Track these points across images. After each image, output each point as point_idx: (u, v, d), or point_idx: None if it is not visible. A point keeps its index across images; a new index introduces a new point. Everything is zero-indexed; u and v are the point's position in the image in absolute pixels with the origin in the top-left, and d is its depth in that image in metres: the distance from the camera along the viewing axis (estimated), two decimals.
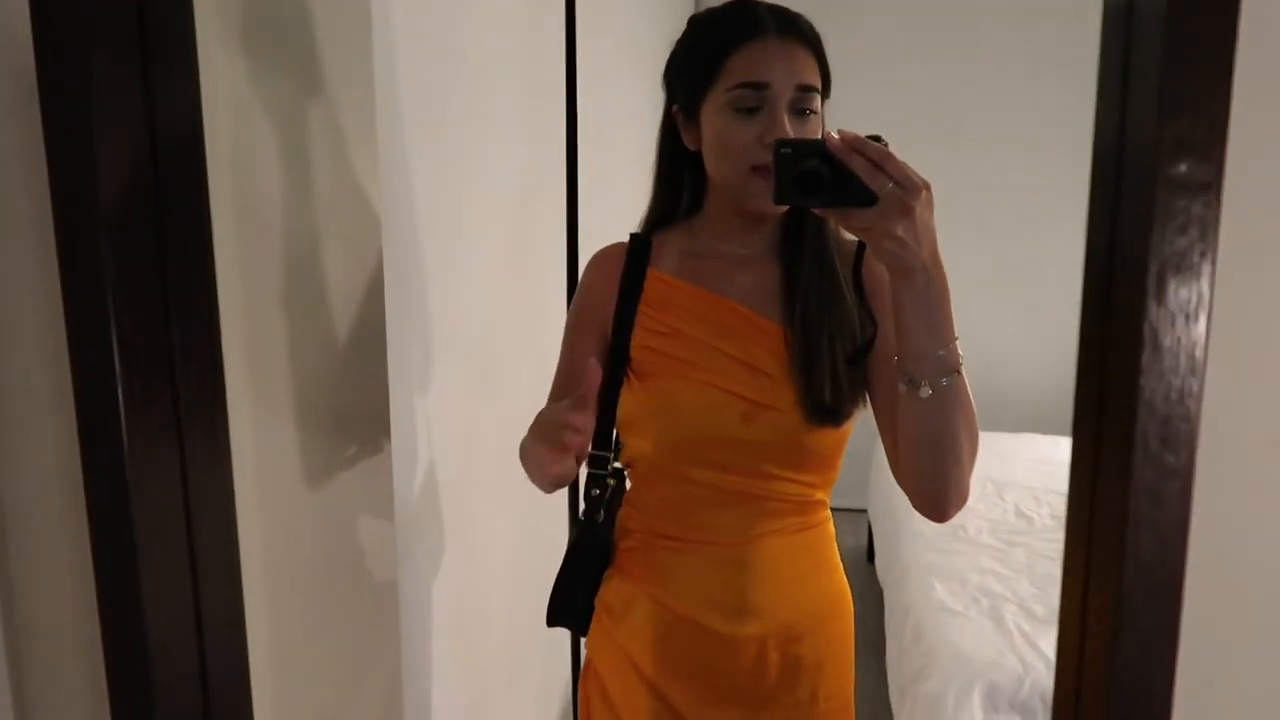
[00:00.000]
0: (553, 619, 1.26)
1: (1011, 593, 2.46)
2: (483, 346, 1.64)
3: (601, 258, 1.20)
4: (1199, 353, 0.45)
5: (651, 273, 1.15)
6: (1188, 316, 0.45)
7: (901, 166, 0.85)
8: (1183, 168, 0.43)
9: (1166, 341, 0.45)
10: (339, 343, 1.16)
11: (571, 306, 1.23)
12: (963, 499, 1.03)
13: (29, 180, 0.63)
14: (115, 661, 0.58)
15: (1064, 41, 4.23)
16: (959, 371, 0.95)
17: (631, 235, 1.19)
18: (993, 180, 4.47)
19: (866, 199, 0.85)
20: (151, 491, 0.60)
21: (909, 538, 2.91)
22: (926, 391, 0.94)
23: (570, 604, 1.24)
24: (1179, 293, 0.45)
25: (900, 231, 0.85)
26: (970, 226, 4.49)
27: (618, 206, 2.57)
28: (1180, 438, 0.46)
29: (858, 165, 0.85)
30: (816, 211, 0.98)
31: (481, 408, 1.63)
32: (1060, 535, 2.65)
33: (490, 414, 1.66)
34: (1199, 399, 0.45)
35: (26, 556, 0.67)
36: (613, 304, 1.15)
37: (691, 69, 1.08)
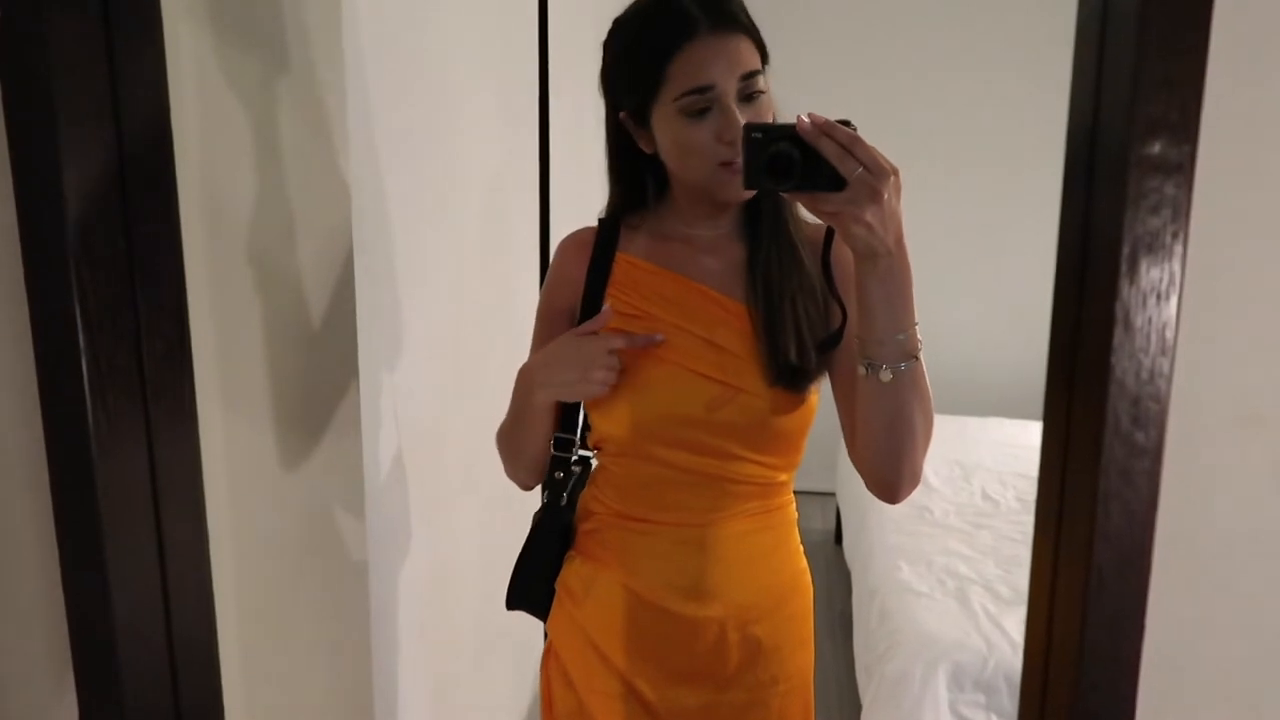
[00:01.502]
0: (512, 602, 1.26)
1: (977, 574, 2.50)
2: (453, 332, 1.63)
3: (570, 243, 1.19)
4: (1170, 332, 0.46)
5: (620, 256, 1.15)
6: (1159, 296, 0.46)
7: (871, 151, 0.86)
8: (1156, 148, 0.44)
9: (1138, 321, 0.46)
10: (309, 327, 1.14)
11: (542, 293, 1.23)
12: (915, 480, 1.05)
13: None
14: (81, 639, 0.57)
15: (1039, 23, 4.27)
16: (917, 357, 0.96)
17: (600, 220, 1.19)
18: (963, 166, 4.50)
19: (836, 183, 0.86)
20: (117, 464, 0.59)
21: (876, 520, 2.94)
22: (887, 376, 0.95)
23: (529, 587, 1.24)
24: (1151, 273, 0.46)
25: (868, 216, 0.86)
26: (941, 213, 4.52)
27: (590, 192, 2.56)
28: (1150, 416, 0.46)
29: (827, 150, 0.86)
30: (786, 195, 0.99)
31: (451, 393, 1.62)
32: (1026, 518, 2.70)
33: (460, 400, 1.65)
34: (1169, 379, 0.46)
35: None
36: (580, 288, 1.15)
37: (632, 79, 1.07)
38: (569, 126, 2.36)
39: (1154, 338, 0.46)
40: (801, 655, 1.23)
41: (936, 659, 2.12)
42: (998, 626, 2.22)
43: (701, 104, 1.02)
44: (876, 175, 0.85)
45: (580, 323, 1.13)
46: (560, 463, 1.20)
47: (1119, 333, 0.46)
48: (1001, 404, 4.53)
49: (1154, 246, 0.45)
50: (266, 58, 1.01)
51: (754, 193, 1.09)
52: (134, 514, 0.61)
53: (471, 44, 1.64)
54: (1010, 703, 2.08)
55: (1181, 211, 0.44)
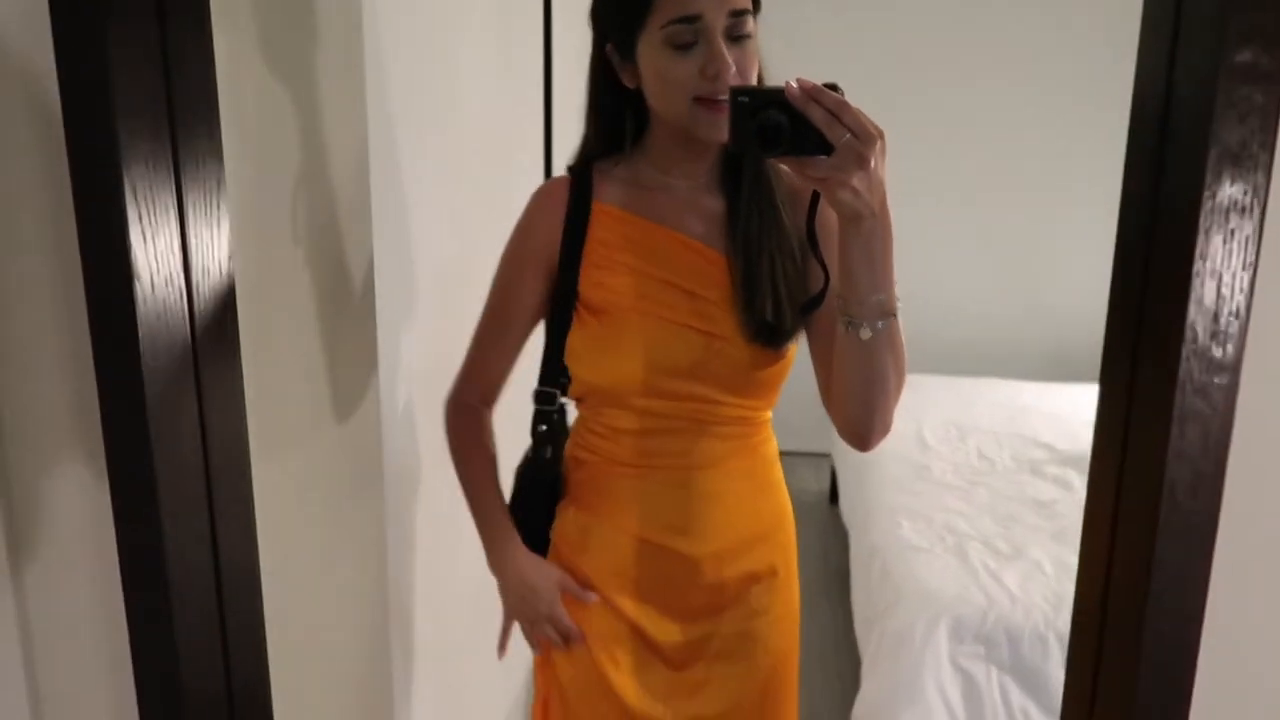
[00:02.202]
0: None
1: (975, 530, 2.52)
2: (460, 280, 1.61)
3: (544, 192, 1.17)
4: (1252, 247, 0.45)
5: (597, 206, 1.13)
6: (1243, 210, 0.45)
7: (858, 116, 0.86)
8: (1248, 55, 0.43)
9: (1219, 233, 0.45)
10: (331, 281, 1.13)
11: (511, 242, 1.20)
12: (885, 430, 1.08)
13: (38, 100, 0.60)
14: (133, 570, 0.56)
15: None
16: (895, 315, 0.98)
17: (571, 169, 1.16)
18: (957, 127, 4.47)
19: (823, 149, 0.86)
20: (169, 413, 0.58)
21: (875, 479, 2.96)
22: (866, 334, 0.97)
23: (526, 540, 1.24)
24: (1235, 184, 0.45)
25: (855, 181, 0.86)
26: (937, 176, 4.49)
27: None
28: (1230, 333, 0.46)
29: (815, 115, 0.86)
30: (775, 160, 1.00)
31: (458, 342, 1.61)
32: (1021, 477, 2.72)
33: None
34: (1249, 294, 0.45)
35: (34, 454, 0.65)
36: (556, 239, 1.13)
37: (621, 9, 1.06)
38: (572, 73, 2.33)
39: (1235, 251, 0.45)
40: (788, 583, 1.27)
41: (938, 613, 2.14)
42: (997, 580, 2.24)
43: (688, 35, 1.01)
44: (863, 141, 0.85)
45: (561, 274, 1.13)
46: (544, 416, 1.21)
47: (1199, 244, 0.45)
48: (996, 365, 4.55)
49: (1240, 158, 0.44)
50: (287, 16, 0.98)
51: (725, 138, 1.09)
52: (185, 453, 0.60)
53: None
54: (1009, 654, 2.10)
55: (1270, 122, 0.44)
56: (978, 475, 2.96)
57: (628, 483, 1.17)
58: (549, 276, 1.16)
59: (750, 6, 1.03)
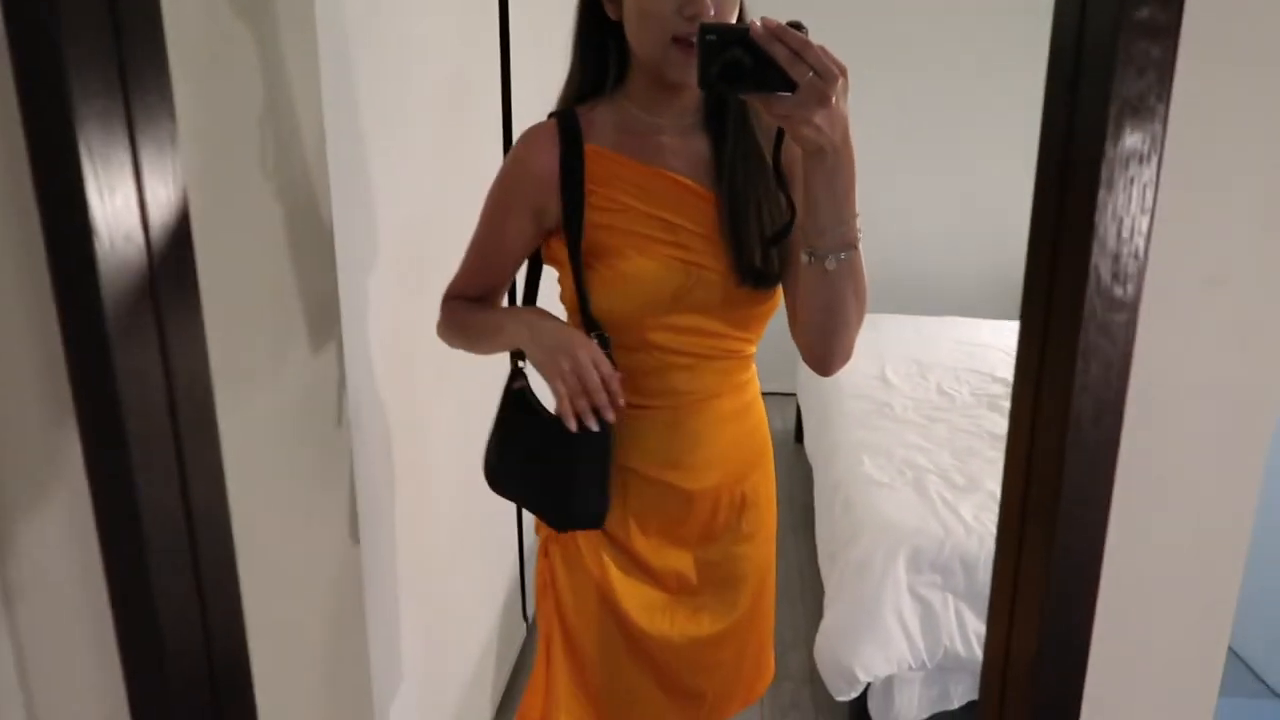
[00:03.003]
0: (578, 520, 1.22)
1: (934, 464, 2.60)
2: (421, 234, 1.62)
3: (533, 136, 1.17)
4: (1150, 193, 0.49)
5: (590, 149, 1.15)
6: (1141, 158, 0.48)
7: (820, 55, 0.89)
8: (1145, 11, 0.46)
9: (1120, 181, 0.49)
10: (290, 228, 1.14)
11: (497, 185, 1.21)
12: (846, 357, 1.14)
13: None
14: (107, 518, 0.59)
15: None
16: (856, 247, 1.02)
17: (560, 113, 1.18)
18: (923, 72, 4.47)
19: (786, 85, 0.89)
20: (131, 354, 0.60)
21: (839, 418, 3.02)
22: (832, 264, 1.02)
23: (591, 497, 1.19)
24: (1134, 135, 0.48)
25: (817, 118, 0.90)
26: (900, 120, 4.51)
27: (551, 97, 2.52)
28: (1129, 273, 0.50)
29: (779, 53, 0.89)
30: (740, 96, 1.03)
31: (422, 293, 1.62)
32: (979, 412, 2.79)
33: (430, 298, 1.66)
34: (1148, 237, 0.49)
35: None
36: (550, 183, 1.14)
37: None
38: (531, 22, 2.31)
39: (1135, 197, 0.49)
40: (769, 508, 1.36)
41: (897, 544, 2.22)
42: (953, 512, 2.32)
43: None
44: (825, 79, 0.89)
45: (568, 216, 1.13)
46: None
47: (1102, 192, 0.49)
48: (957, 304, 4.63)
49: (1138, 109, 0.48)
50: None
51: (714, 92, 1.11)
52: (151, 399, 0.62)
53: None
54: (964, 582, 2.19)
55: (1167, 75, 0.47)
56: (937, 411, 3.04)
57: (631, 422, 1.20)
58: (537, 219, 1.17)
59: None
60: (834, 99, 0.90)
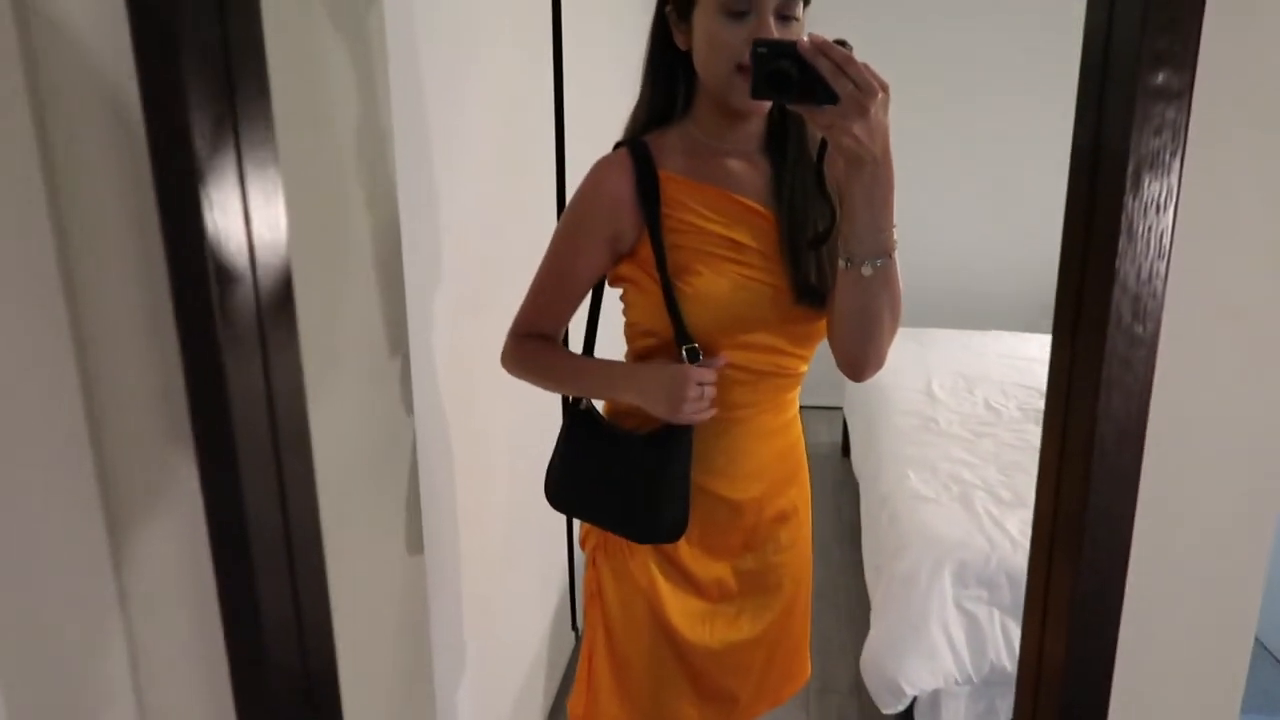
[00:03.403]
0: (668, 532, 1.25)
1: (980, 479, 2.61)
2: (480, 257, 1.69)
3: (608, 164, 1.22)
4: (1167, 239, 0.53)
5: (663, 174, 1.20)
6: (1158, 208, 0.53)
7: (862, 70, 0.95)
8: (1160, 78, 0.51)
9: (1139, 229, 0.53)
10: (360, 257, 1.22)
11: (573, 214, 1.25)
12: (879, 364, 1.20)
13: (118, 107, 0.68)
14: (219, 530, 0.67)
15: None
16: (891, 255, 1.08)
17: (633, 142, 1.24)
18: (975, 94, 4.49)
19: (830, 98, 0.96)
20: (241, 381, 0.67)
21: (885, 432, 3.05)
22: (868, 270, 1.07)
23: (679, 509, 1.24)
24: (1151, 187, 0.53)
25: (857, 129, 0.97)
26: (951, 137, 4.53)
27: (603, 127, 2.59)
28: (1148, 312, 0.54)
29: (824, 67, 0.96)
30: (787, 106, 1.10)
31: (478, 314, 1.70)
32: (1027, 427, 2.80)
33: (488, 320, 1.73)
34: (1165, 279, 0.54)
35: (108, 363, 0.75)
36: (625, 208, 1.19)
37: None
38: (582, 54, 2.39)
39: (1153, 244, 0.54)
40: (806, 520, 1.41)
41: (942, 557, 2.24)
42: (999, 526, 2.34)
43: (743, 4, 1.09)
44: (866, 93, 0.95)
45: (654, 242, 1.18)
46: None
47: (1123, 239, 0.53)
48: (1004, 317, 4.61)
49: (1155, 164, 0.52)
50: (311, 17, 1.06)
51: (766, 107, 1.19)
52: (255, 420, 0.70)
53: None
54: (1010, 596, 2.21)
55: (1180, 134, 0.52)
56: (984, 426, 3.05)
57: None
58: (612, 244, 1.22)
59: None
60: (874, 112, 0.96)
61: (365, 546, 1.25)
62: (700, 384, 1.16)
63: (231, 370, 0.64)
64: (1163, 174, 0.53)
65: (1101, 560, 0.58)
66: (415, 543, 1.39)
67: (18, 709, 0.65)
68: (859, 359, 1.19)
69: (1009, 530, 2.32)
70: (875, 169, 1.01)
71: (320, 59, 1.09)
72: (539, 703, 2.26)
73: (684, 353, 1.19)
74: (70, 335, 0.70)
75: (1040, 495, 0.64)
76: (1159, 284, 0.54)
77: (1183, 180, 0.53)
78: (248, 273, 0.70)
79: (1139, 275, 0.54)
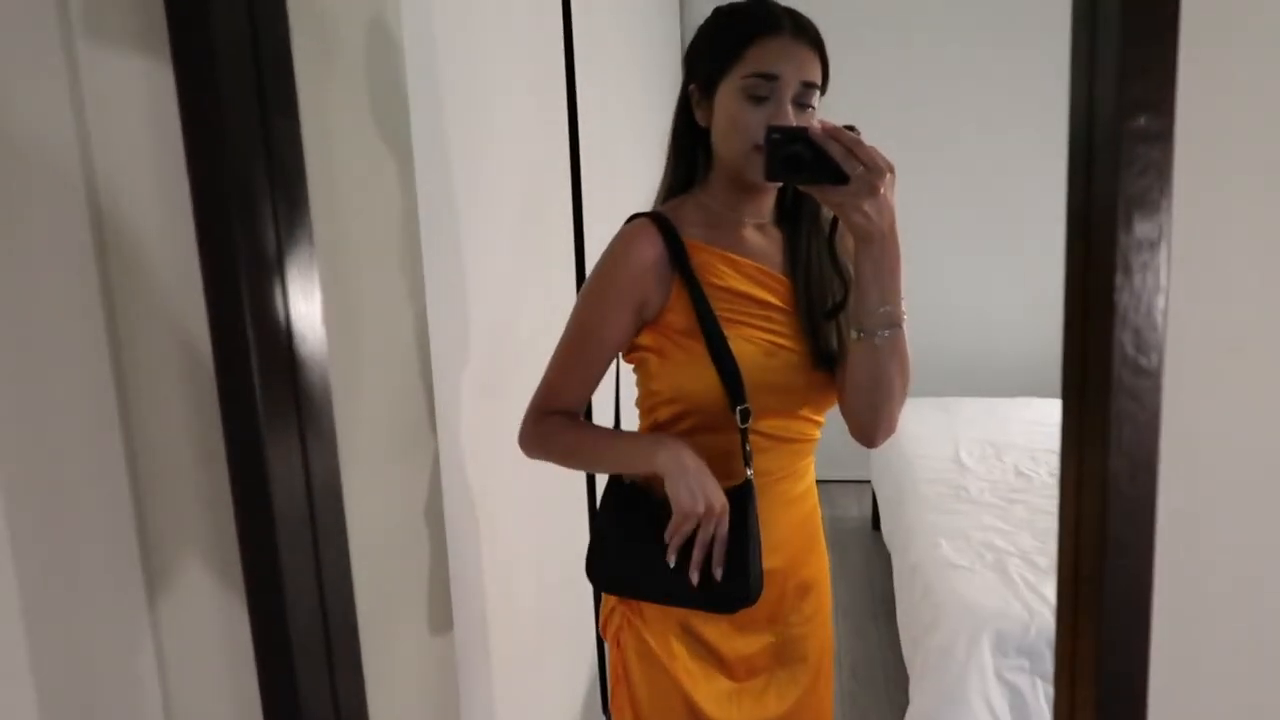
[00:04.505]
0: (754, 593, 1.20)
1: (1014, 546, 2.58)
2: (503, 342, 1.73)
3: (636, 233, 1.24)
4: (1162, 273, 0.56)
5: (689, 243, 1.23)
6: (1152, 244, 0.55)
7: (870, 153, 1.02)
8: (1141, 121, 0.54)
9: (1135, 265, 0.56)
10: (386, 324, 1.25)
11: (601, 283, 1.26)
12: (890, 430, 1.23)
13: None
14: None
15: (1038, 25, 4.38)
16: (900, 325, 1.13)
17: (655, 214, 1.28)
18: (987, 166, 4.60)
19: (840, 178, 1.03)
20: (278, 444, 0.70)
21: (914, 502, 3.02)
22: (881, 340, 1.12)
23: (759, 568, 1.20)
24: (1142, 225, 0.55)
25: (866, 207, 1.03)
26: (967, 212, 4.62)
27: (619, 194, 2.67)
28: (1150, 343, 0.56)
29: (834, 150, 1.03)
30: (800, 188, 1.16)
31: (496, 397, 1.73)
32: (1058, 491, 2.77)
33: (506, 401, 1.76)
34: (1165, 311, 0.56)
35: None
36: (653, 276, 1.21)
37: (713, 53, 1.20)
38: (596, 124, 2.48)
39: (1149, 279, 0.56)
40: (828, 591, 1.41)
41: (979, 627, 2.20)
42: (1037, 594, 2.30)
43: (764, 90, 1.15)
44: (874, 173, 1.02)
45: (698, 309, 1.19)
46: (745, 434, 1.23)
47: (1119, 276, 0.56)
48: (1030, 384, 4.59)
49: (1144, 203, 0.55)
50: (342, 90, 1.12)
51: (780, 184, 1.23)
52: (294, 504, 0.72)
53: (504, 52, 1.76)
54: (1052, 665, 2.15)
55: (1165, 173, 0.54)
56: (1015, 492, 3.02)
57: None
58: (638, 312, 1.24)
59: (819, 83, 1.19)
60: (882, 190, 1.03)
61: (396, 638, 1.25)
62: (717, 525, 1.15)
63: (273, 462, 0.66)
64: (1152, 212, 0.55)
65: (1122, 594, 0.58)
66: (446, 631, 1.39)
67: None
68: (871, 425, 1.22)
69: (1047, 597, 2.28)
70: (884, 244, 1.06)
71: (352, 151, 1.15)
72: None
73: (738, 414, 1.19)
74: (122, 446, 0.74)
75: (1062, 539, 0.65)
76: (1159, 316, 0.56)
77: (1172, 216, 0.55)
78: (288, 368, 0.73)
79: (1138, 309, 0.56)
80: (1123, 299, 0.56)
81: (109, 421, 0.73)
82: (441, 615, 1.37)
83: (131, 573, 0.75)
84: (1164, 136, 0.54)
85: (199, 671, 0.78)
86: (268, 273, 0.69)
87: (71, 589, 0.69)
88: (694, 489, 1.15)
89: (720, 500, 1.16)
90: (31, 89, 0.65)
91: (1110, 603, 0.58)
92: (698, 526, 1.16)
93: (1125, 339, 0.56)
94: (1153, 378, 0.56)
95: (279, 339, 0.70)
